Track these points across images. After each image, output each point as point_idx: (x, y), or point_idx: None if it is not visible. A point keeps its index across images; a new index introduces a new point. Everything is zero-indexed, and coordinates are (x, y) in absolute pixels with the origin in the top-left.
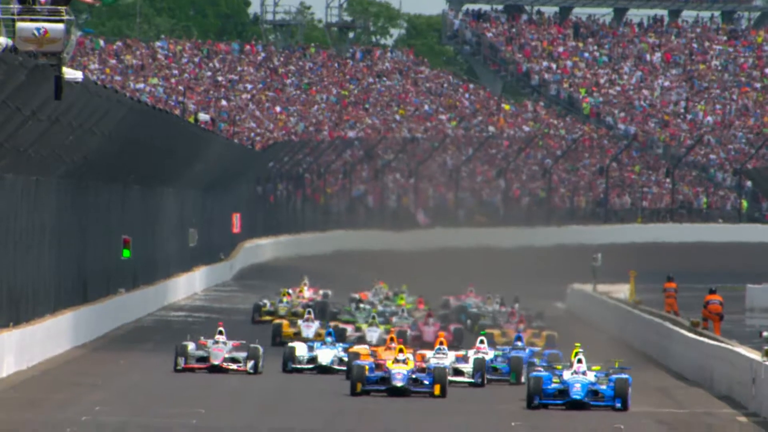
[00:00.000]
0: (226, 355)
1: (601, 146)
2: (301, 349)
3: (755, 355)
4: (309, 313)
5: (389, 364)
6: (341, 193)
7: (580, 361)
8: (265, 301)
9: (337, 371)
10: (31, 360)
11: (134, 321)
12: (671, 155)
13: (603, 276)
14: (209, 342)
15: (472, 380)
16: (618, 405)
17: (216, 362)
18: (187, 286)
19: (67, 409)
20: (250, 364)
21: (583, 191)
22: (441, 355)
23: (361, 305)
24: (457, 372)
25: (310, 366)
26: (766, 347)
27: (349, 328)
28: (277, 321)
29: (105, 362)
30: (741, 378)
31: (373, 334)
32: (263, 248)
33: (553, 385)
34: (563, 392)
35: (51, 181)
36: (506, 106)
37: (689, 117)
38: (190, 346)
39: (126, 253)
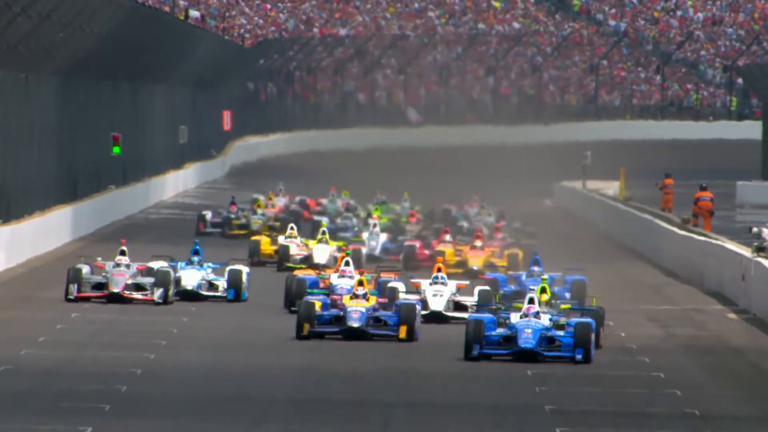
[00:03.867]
0: (129, 281)
1: (591, 43)
2: None
3: (745, 252)
4: (292, 228)
5: (345, 300)
6: (332, 91)
7: (531, 300)
8: (220, 210)
9: (205, 297)
10: (21, 257)
11: (125, 218)
12: (661, 52)
13: (592, 173)
14: (108, 265)
15: None
16: (579, 357)
17: (116, 290)
18: (178, 184)
19: (57, 307)
20: (158, 292)
21: (573, 89)
22: (439, 286)
23: (317, 218)
24: (459, 306)
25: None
26: (755, 243)
27: (294, 246)
28: (255, 237)
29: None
30: (731, 274)
31: (322, 253)
32: (255, 146)
33: (498, 331)
34: (510, 339)
35: (41, 78)
36: (496, 3)
37: (679, 13)
38: (85, 270)
39: (116, 150)
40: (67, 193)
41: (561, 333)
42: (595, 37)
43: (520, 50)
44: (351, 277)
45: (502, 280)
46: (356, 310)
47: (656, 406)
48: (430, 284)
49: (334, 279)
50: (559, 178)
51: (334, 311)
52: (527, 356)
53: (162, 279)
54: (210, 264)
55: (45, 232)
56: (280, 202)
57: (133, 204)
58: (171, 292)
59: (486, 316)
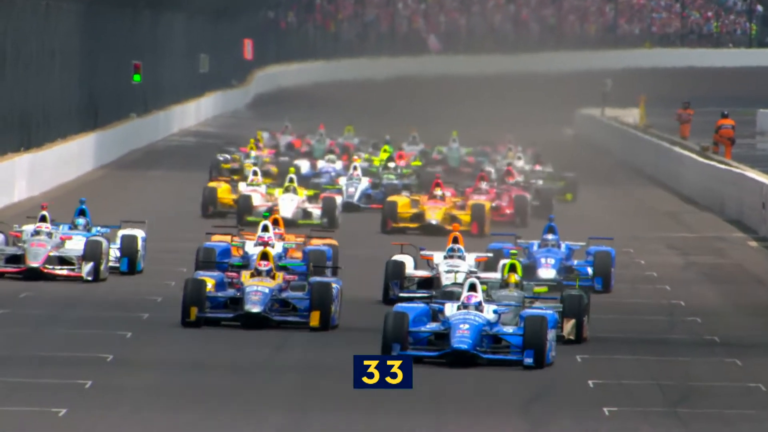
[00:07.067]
0: (51, 254)
1: None
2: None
3: (766, 180)
4: (255, 174)
5: (244, 278)
6: (352, 19)
7: (473, 287)
8: (225, 155)
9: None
10: (42, 185)
11: (146, 146)
12: None
13: (612, 101)
14: (25, 233)
15: None
16: (528, 360)
17: (35, 264)
18: (199, 113)
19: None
20: (87, 267)
21: (593, 17)
22: (455, 260)
23: (296, 162)
24: None
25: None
26: None
27: (258, 196)
28: (212, 183)
29: (115, 188)
30: (751, 202)
31: (288, 204)
32: (277, 76)
33: (429, 326)
34: (443, 337)
35: (61, 6)
36: None
37: None
38: None
39: (137, 78)
40: (89, 121)
41: (509, 330)
42: None
43: None
44: (271, 246)
45: (507, 253)
46: (256, 291)
47: (676, 333)
48: (445, 258)
49: (249, 247)
50: (579, 107)
51: (230, 292)
52: (462, 360)
53: (92, 251)
54: (98, 228)
55: (66, 160)
56: (286, 141)
57: (155, 132)
58: (103, 266)
59: (414, 307)
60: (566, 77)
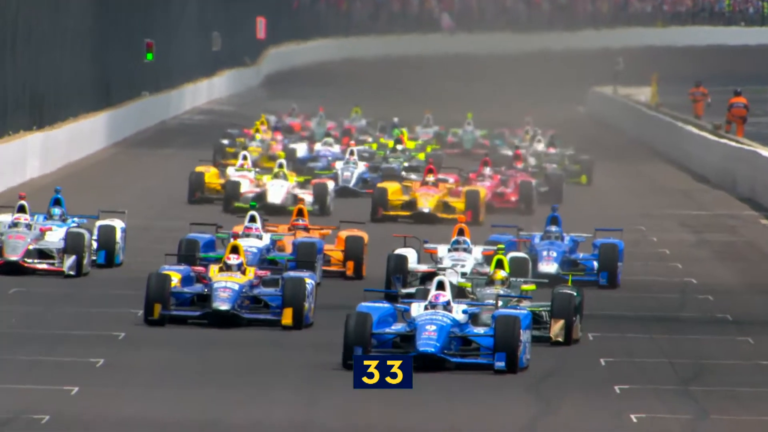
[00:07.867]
0: (30, 247)
1: None
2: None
3: None
4: (245, 158)
5: (212, 273)
6: None
7: (441, 285)
8: (231, 138)
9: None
10: (55, 163)
11: (158, 124)
12: None
13: (625, 79)
14: (2, 225)
15: None
16: (500, 364)
17: (13, 257)
18: (212, 91)
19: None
20: (69, 261)
21: None
22: (461, 253)
23: (291, 145)
24: None
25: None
26: None
27: (246, 182)
28: (200, 168)
29: (128, 165)
30: (764, 180)
31: (278, 190)
32: (290, 54)
33: (394, 328)
34: (408, 340)
35: None
36: None
37: None
38: None
39: (149, 56)
40: (101, 99)
41: (480, 331)
42: None
43: None
44: (259, 237)
45: (510, 245)
46: (225, 288)
47: (688, 311)
48: (449, 251)
49: None
50: (592, 85)
51: (198, 287)
52: (429, 363)
53: (73, 244)
54: (75, 218)
55: (79, 138)
56: (289, 121)
57: (166, 111)
58: (86, 260)
59: (379, 307)
60: (578, 56)
